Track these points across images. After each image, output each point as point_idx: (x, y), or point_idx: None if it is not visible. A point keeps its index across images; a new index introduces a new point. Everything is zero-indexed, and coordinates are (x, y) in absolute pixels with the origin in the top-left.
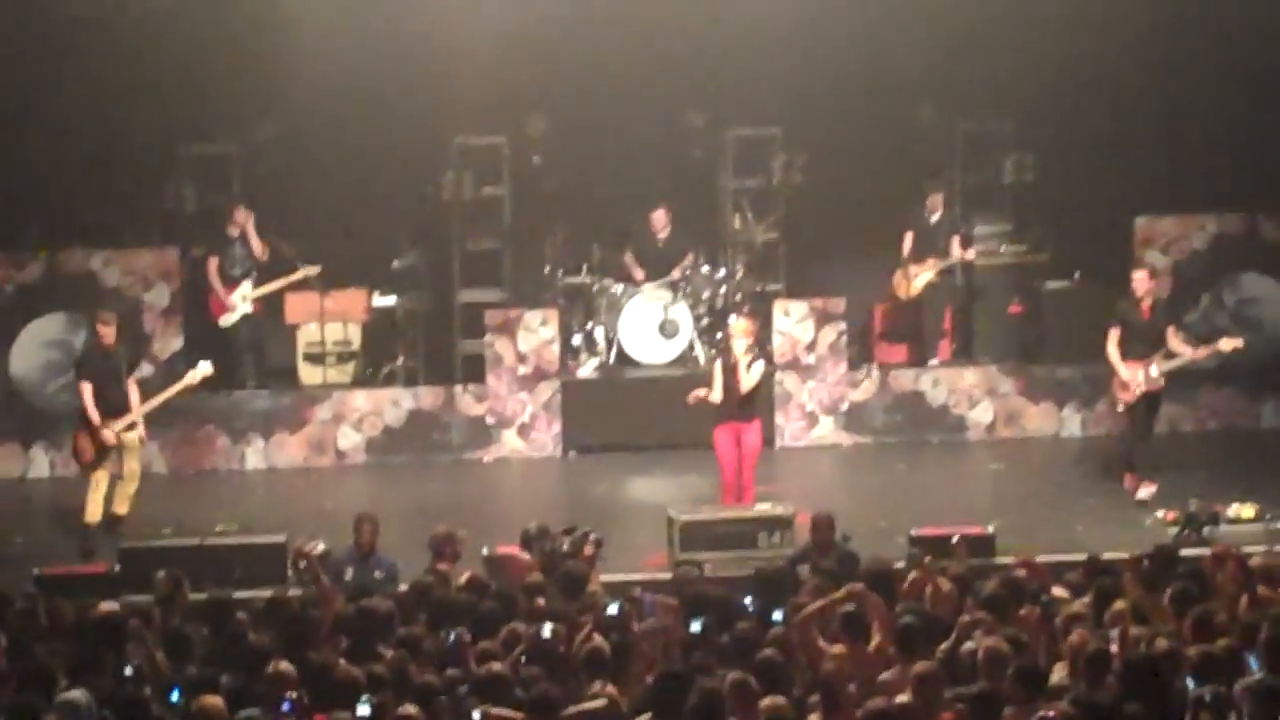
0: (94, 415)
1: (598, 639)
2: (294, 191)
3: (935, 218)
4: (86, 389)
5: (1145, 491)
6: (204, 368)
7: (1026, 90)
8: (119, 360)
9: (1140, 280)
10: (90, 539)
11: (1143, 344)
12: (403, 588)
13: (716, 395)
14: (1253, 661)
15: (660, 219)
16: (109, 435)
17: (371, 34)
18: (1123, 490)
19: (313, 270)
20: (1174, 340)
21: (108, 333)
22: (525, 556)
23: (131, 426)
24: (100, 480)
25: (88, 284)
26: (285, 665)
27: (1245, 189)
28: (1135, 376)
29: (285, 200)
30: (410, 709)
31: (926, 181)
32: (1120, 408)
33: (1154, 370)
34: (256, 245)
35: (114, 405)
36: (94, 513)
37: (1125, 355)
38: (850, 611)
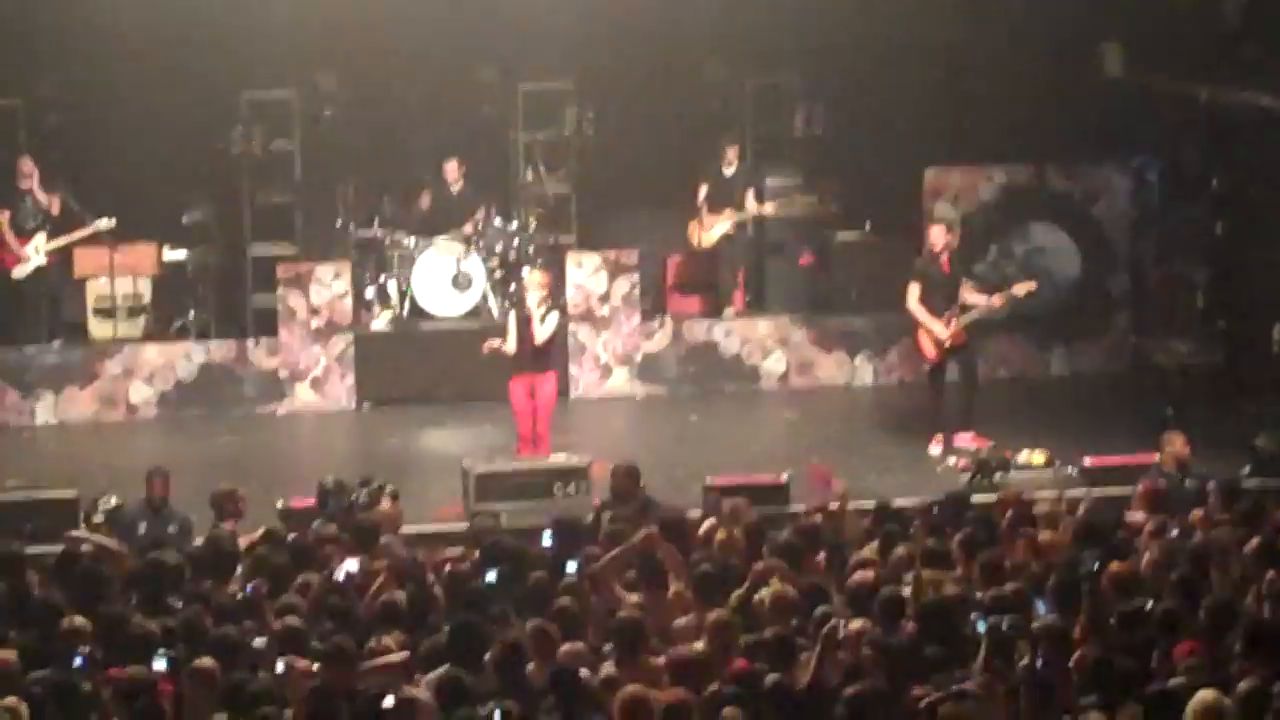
0: None
1: (394, 590)
2: (82, 146)
3: (730, 170)
4: None
5: (961, 442)
6: (106, 222)
7: (814, 43)
8: None
9: (938, 234)
10: None
11: (944, 299)
12: (197, 542)
13: (510, 346)
14: (1040, 605)
15: (452, 170)
16: None
17: None
18: (913, 437)
19: (107, 224)
20: (968, 292)
21: None
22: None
23: None
24: None
25: None
26: (79, 620)
27: (1033, 140)
28: (940, 331)
29: (73, 154)
30: (206, 661)
31: (724, 134)
32: (926, 366)
33: (954, 325)
34: (43, 198)
35: None
36: None
37: (929, 311)
38: (647, 559)
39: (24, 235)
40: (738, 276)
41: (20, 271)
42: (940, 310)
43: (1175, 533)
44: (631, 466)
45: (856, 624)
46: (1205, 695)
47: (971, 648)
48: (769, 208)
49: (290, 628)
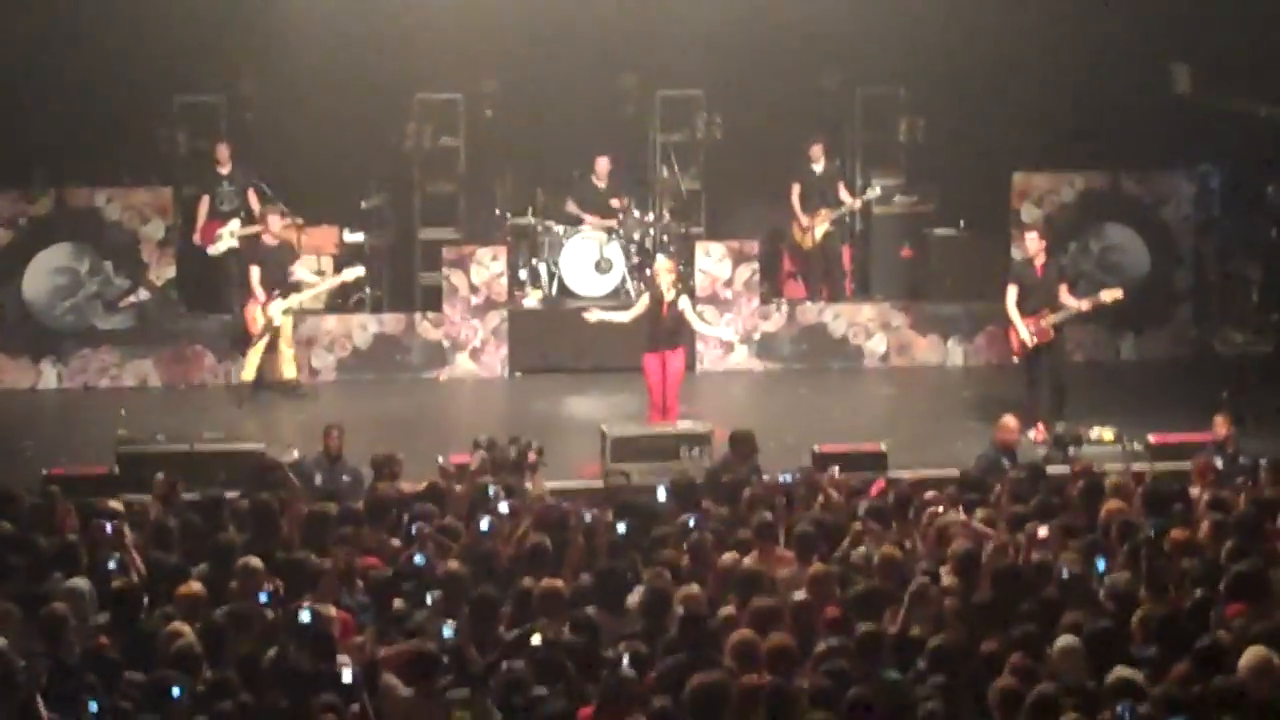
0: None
1: (537, 536)
2: (274, 138)
3: (818, 168)
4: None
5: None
6: (356, 270)
7: (918, 59)
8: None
9: (1033, 240)
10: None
11: (1037, 299)
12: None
13: (625, 318)
14: (1100, 563)
15: (604, 165)
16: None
17: (344, 1)
18: (998, 413)
19: (297, 221)
20: (1065, 295)
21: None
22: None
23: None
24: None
25: (91, 218)
26: (255, 560)
27: (1109, 150)
28: (1029, 330)
29: (266, 146)
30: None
31: (809, 136)
32: (1015, 359)
33: (1044, 323)
34: (237, 176)
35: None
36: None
37: (1021, 310)
38: (764, 519)
39: (221, 217)
40: (842, 265)
41: (215, 249)
42: (1034, 309)
43: (1226, 503)
44: (747, 432)
45: (944, 581)
46: (1255, 651)
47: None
48: (860, 202)
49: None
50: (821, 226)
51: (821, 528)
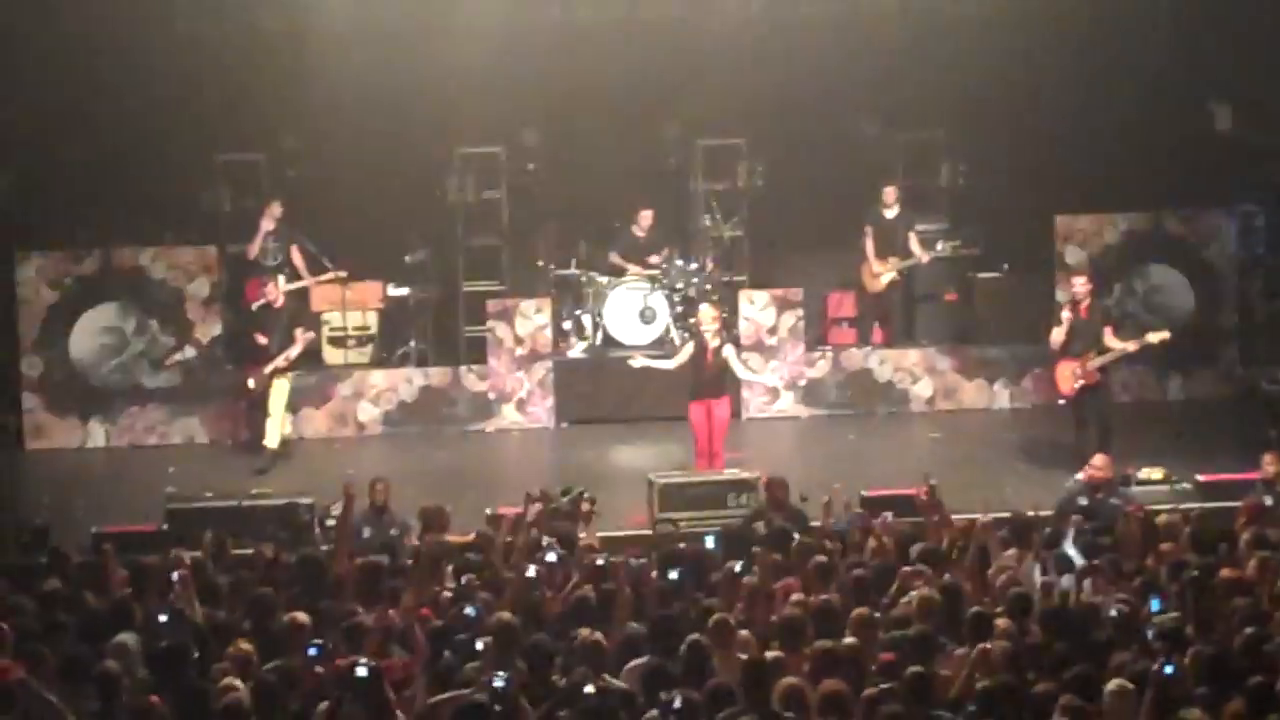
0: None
1: (585, 589)
2: (317, 195)
3: (891, 214)
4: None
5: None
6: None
7: (959, 104)
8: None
9: (1079, 284)
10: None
11: (1081, 342)
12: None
13: (670, 365)
14: (1154, 603)
15: (647, 218)
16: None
17: (383, 57)
18: (1045, 455)
19: (341, 274)
20: (1110, 338)
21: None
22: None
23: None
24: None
25: (137, 277)
26: (302, 616)
27: (1152, 190)
28: (1072, 373)
29: (309, 203)
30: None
31: (882, 177)
32: (1061, 401)
33: (1089, 365)
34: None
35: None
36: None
37: (1066, 352)
38: (820, 562)
39: (266, 274)
40: (895, 313)
41: (259, 305)
42: (1079, 352)
43: (1275, 542)
44: (780, 479)
45: (1000, 623)
46: None
47: (1093, 648)
48: (930, 257)
49: (503, 622)
50: (890, 274)
51: (874, 572)
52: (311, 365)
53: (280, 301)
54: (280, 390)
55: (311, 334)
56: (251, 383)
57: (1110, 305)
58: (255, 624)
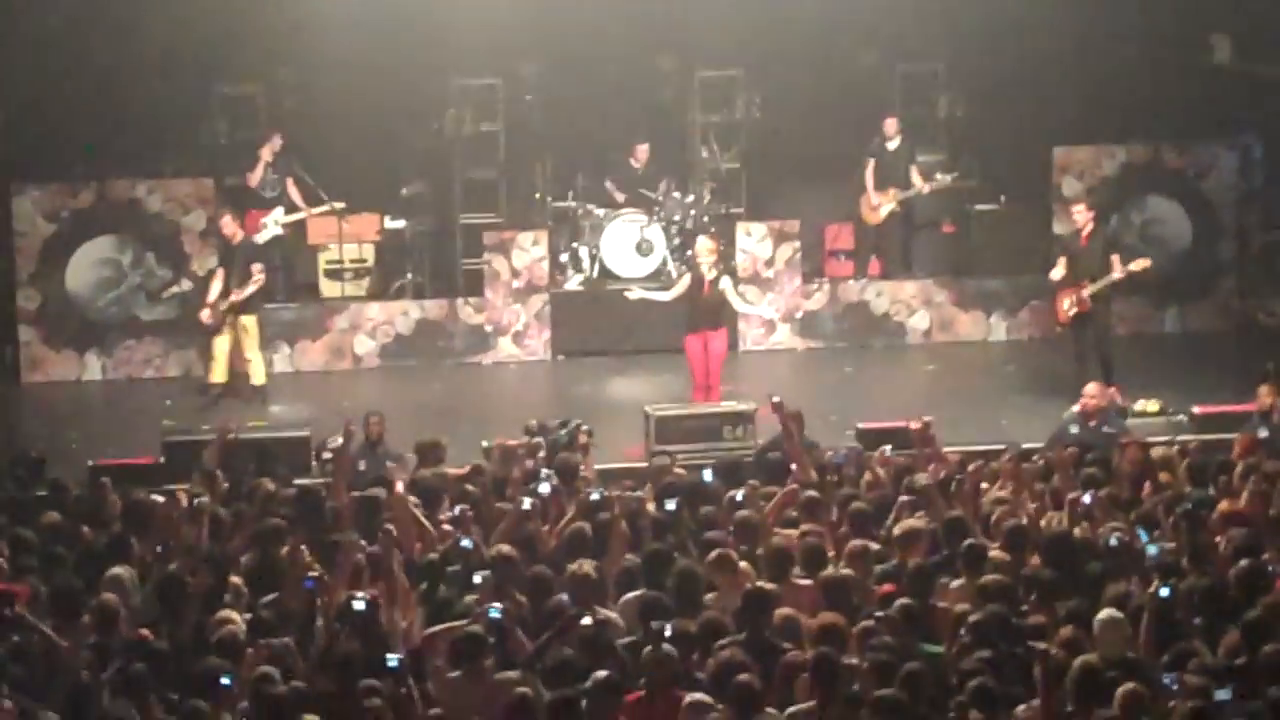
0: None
1: (580, 522)
2: (314, 127)
3: (893, 145)
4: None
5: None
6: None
7: (956, 36)
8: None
9: (1079, 212)
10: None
11: (1085, 270)
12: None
13: (666, 297)
14: (1143, 534)
15: (643, 152)
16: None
17: None
18: (1042, 386)
19: (338, 206)
20: (1117, 265)
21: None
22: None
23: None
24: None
25: (133, 209)
26: (301, 546)
27: (1150, 122)
28: (1066, 301)
29: (306, 135)
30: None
31: (884, 110)
32: (1059, 329)
33: (1084, 294)
34: (279, 164)
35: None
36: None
37: (1068, 282)
38: (812, 496)
39: (265, 206)
40: (894, 244)
41: (260, 238)
42: (1077, 281)
43: (1270, 473)
44: (797, 412)
45: (993, 553)
46: None
47: (1088, 579)
48: (930, 187)
49: (502, 554)
50: (889, 205)
51: (874, 505)
52: (308, 299)
53: (238, 238)
54: (251, 329)
55: (263, 277)
56: (206, 314)
57: (1111, 233)
58: (259, 556)
